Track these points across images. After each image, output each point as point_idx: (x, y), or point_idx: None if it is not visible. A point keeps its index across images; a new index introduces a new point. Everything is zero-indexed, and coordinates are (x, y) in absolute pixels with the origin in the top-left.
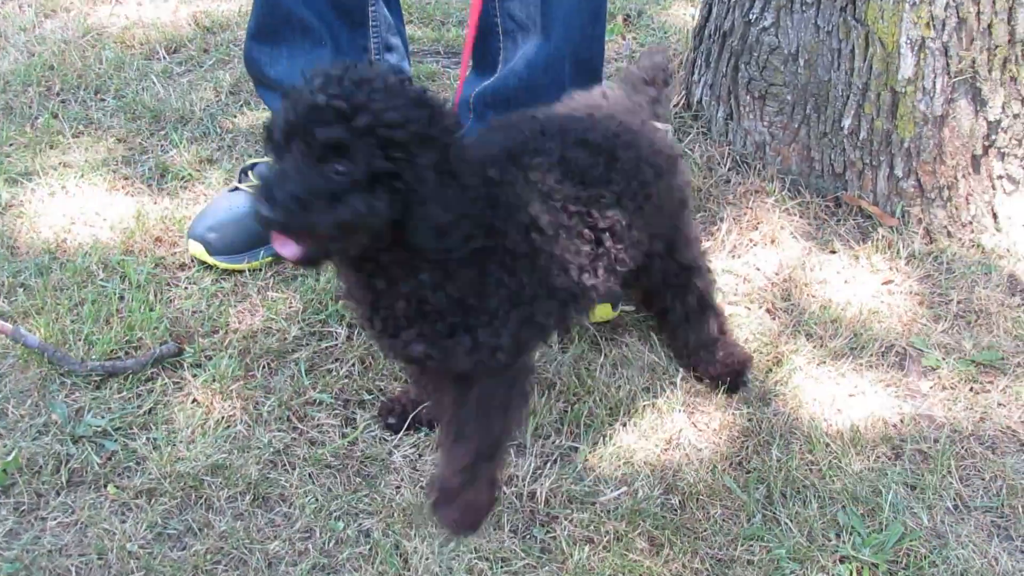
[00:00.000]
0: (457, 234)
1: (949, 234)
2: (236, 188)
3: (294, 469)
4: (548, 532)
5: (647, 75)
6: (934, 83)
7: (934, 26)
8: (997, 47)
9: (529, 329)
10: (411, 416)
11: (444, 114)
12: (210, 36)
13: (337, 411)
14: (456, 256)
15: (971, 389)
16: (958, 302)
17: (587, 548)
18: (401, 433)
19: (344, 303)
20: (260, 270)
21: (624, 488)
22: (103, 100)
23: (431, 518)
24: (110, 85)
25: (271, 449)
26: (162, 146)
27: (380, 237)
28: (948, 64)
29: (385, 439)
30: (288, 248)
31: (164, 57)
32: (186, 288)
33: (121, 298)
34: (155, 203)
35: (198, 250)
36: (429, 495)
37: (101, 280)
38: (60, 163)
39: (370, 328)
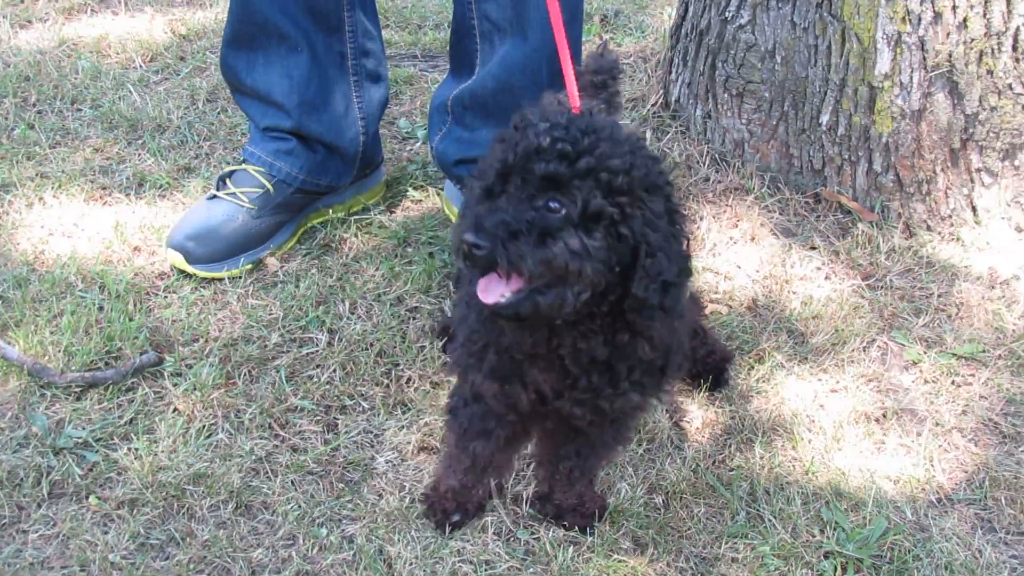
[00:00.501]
0: (679, 292)
1: (929, 228)
2: (214, 196)
3: (276, 476)
4: (532, 534)
5: (598, 79)
6: (911, 78)
7: (910, 21)
8: (973, 40)
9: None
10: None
11: (664, 166)
12: (186, 44)
13: (319, 417)
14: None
15: (953, 382)
16: (938, 296)
17: (571, 550)
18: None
19: (500, 370)
20: (240, 278)
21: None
22: (80, 110)
23: (559, 523)
24: (87, 95)
25: (253, 457)
26: (139, 155)
27: (609, 290)
28: (925, 58)
29: (368, 445)
30: (493, 291)
31: (140, 66)
32: (166, 297)
33: (100, 308)
34: (133, 213)
35: (177, 259)
36: (540, 509)
37: (80, 291)
38: (37, 174)
39: (566, 391)
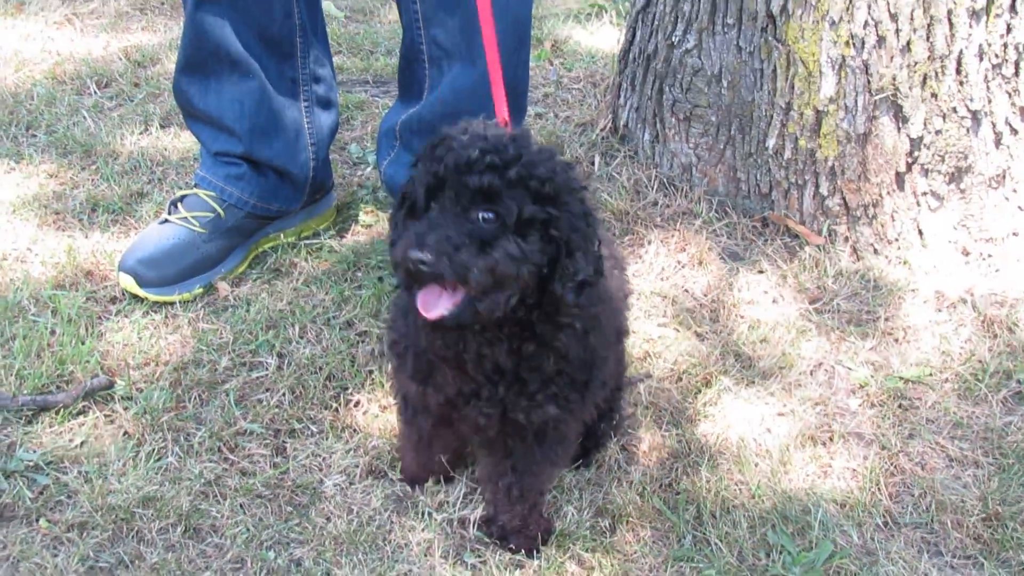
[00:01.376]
0: (592, 291)
1: (876, 251)
2: (166, 220)
3: (225, 500)
4: (479, 557)
5: None
6: (856, 101)
7: (854, 44)
8: (917, 64)
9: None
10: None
11: (578, 171)
12: (140, 70)
13: (268, 441)
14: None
15: (900, 406)
16: (886, 319)
17: (518, 573)
18: (333, 465)
19: (415, 368)
20: (191, 302)
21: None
22: (34, 136)
23: (504, 546)
24: (41, 121)
25: (202, 480)
26: (93, 180)
27: (529, 294)
28: (869, 82)
29: (316, 468)
30: (437, 307)
31: (95, 91)
32: (117, 321)
33: (53, 332)
34: (86, 237)
35: (128, 283)
36: (487, 531)
37: (32, 315)
38: None
39: (473, 398)
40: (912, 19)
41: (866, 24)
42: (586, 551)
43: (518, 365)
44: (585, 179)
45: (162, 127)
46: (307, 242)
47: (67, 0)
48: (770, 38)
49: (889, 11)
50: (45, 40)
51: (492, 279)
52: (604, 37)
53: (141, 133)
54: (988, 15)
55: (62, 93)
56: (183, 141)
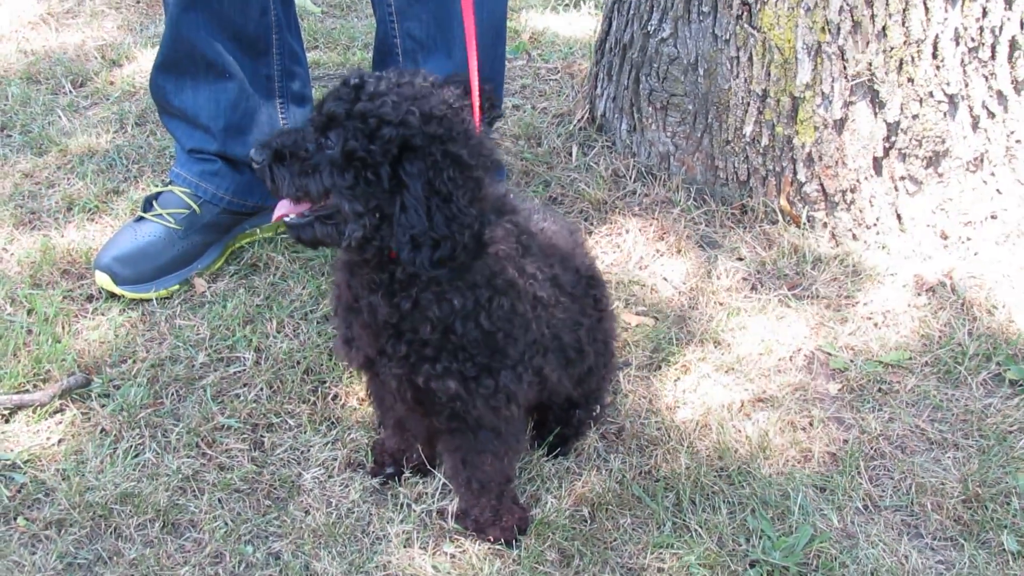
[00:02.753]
0: (429, 253)
1: (854, 237)
2: (141, 218)
3: (203, 495)
4: (458, 547)
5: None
6: (832, 87)
7: (829, 30)
8: (893, 49)
9: (536, 382)
10: (408, 462)
11: (458, 138)
12: (116, 68)
13: (246, 435)
14: (498, 283)
15: (879, 390)
16: (865, 304)
17: (498, 562)
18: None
19: (341, 325)
20: (168, 298)
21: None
22: (9, 136)
23: (483, 538)
24: (16, 121)
25: (180, 476)
26: (68, 179)
27: (373, 237)
28: (845, 68)
29: (295, 462)
30: (281, 209)
31: (70, 91)
32: (94, 319)
33: (29, 331)
34: (62, 236)
35: (105, 280)
36: (463, 524)
37: (8, 315)
38: None
39: (381, 357)
40: (887, 4)
41: (841, 9)
42: (566, 540)
43: (401, 323)
44: (488, 149)
45: (138, 125)
46: (284, 236)
47: (42, 0)
48: (745, 25)
49: None
50: (20, 40)
51: (306, 198)
52: (581, 27)
53: (117, 131)
54: None
55: (37, 93)
56: (159, 139)
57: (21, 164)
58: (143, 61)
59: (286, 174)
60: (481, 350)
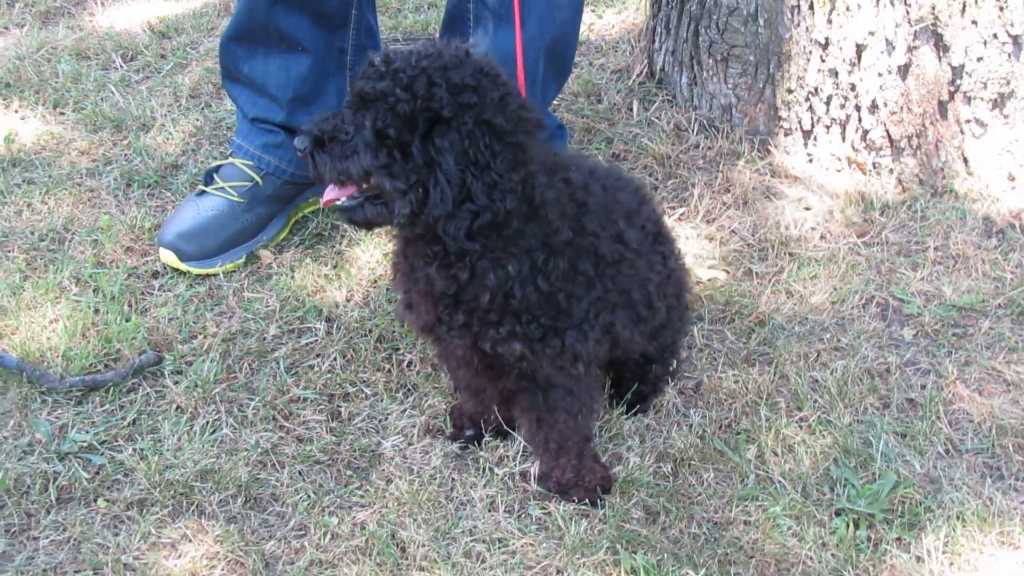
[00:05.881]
0: (466, 224)
1: (921, 182)
2: (203, 192)
3: (283, 468)
4: (543, 509)
5: None
6: (895, 33)
7: None
8: None
9: (606, 340)
10: (486, 425)
11: (491, 105)
12: (165, 41)
13: (322, 406)
14: (554, 244)
15: (954, 334)
16: (935, 249)
17: (584, 522)
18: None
19: (400, 295)
20: (234, 272)
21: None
22: (63, 114)
23: (567, 499)
24: (68, 98)
25: (259, 450)
26: (126, 155)
27: (417, 215)
28: (908, 12)
29: (373, 431)
30: (329, 194)
31: (121, 66)
32: (161, 296)
33: (96, 311)
34: (123, 213)
35: (170, 258)
36: (546, 486)
37: (74, 295)
38: (24, 180)
39: (440, 325)
40: None
41: None
42: (650, 496)
43: (459, 293)
44: (525, 114)
45: (192, 97)
46: None
47: None
48: None
49: None
50: (65, 16)
51: (350, 181)
52: None
53: (171, 105)
54: None
55: (87, 69)
56: (215, 111)
57: (76, 142)
58: (192, 33)
59: (327, 159)
60: (544, 311)
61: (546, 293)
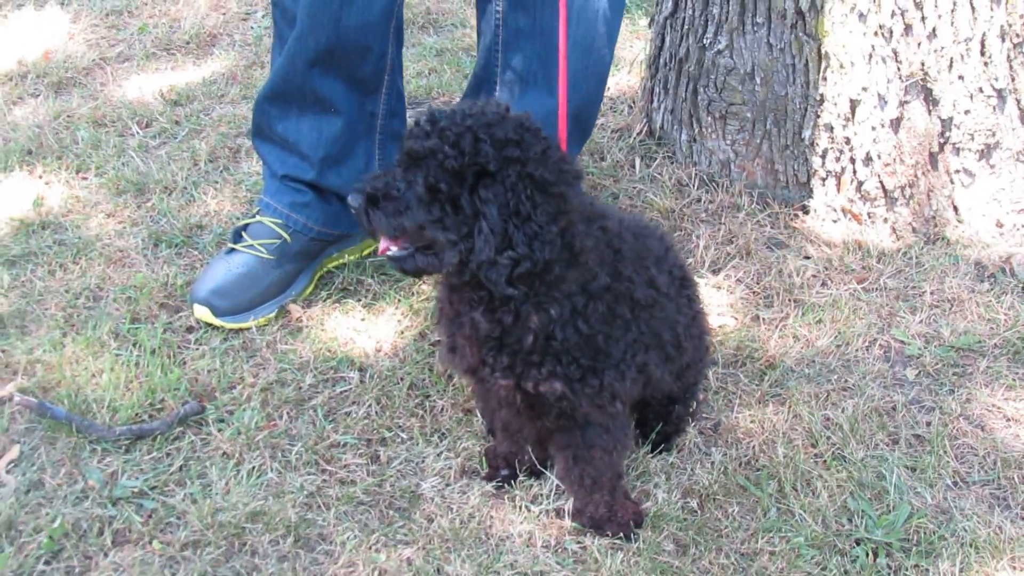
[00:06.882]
0: (507, 272)
1: (914, 230)
2: (232, 250)
3: (329, 509)
4: (579, 543)
5: None
6: (888, 88)
7: (883, 34)
8: (943, 48)
9: (640, 379)
10: (520, 465)
11: (534, 158)
12: (179, 108)
13: (361, 450)
14: (593, 289)
15: (954, 373)
16: (931, 293)
17: (619, 555)
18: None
19: (444, 335)
20: (267, 326)
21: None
22: (85, 179)
23: (601, 534)
24: (90, 163)
25: (304, 492)
26: (151, 216)
27: (465, 263)
28: (899, 69)
29: (412, 473)
30: (384, 245)
31: (137, 132)
32: (197, 349)
33: (137, 364)
34: (153, 272)
35: (204, 313)
36: (580, 521)
37: (115, 350)
38: (55, 242)
39: (484, 367)
40: (937, 5)
41: (893, 13)
42: (680, 530)
43: (504, 335)
44: (568, 167)
45: (210, 161)
46: (371, 260)
47: (92, 46)
48: (800, 34)
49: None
50: (77, 86)
51: (407, 236)
52: (624, 47)
53: (191, 168)
54: None
55: (106, 135)
56: (233, 174)
57: (102, 205)
58: (204, 100)
59: (381, 216)
60: (583, 352)
61: (586, 335)
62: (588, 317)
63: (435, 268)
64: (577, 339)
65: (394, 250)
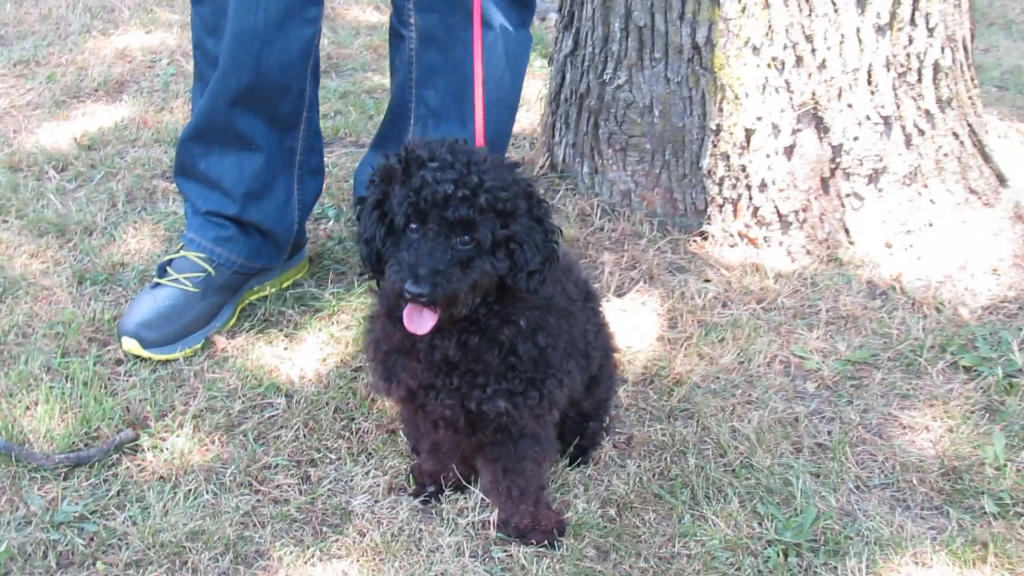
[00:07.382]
0: (542, 276)
1: (808, 252)
2: (157, 284)
3: (265, 527)
4: (505, 552)
5: None
6: (781, 117)
7: (775, 66)
8: (833, 78)
9: (567, 385)
10: (446, 481)
11: (521, 171)
12: (93, 153)
13: (292, 471)
14: (542, 303)
15: (852, 385)
16: (827, 311)
17: (545, 562)
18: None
19: (379, 366)
20: (193, 356)
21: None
22: (6, 221)
23: (526, 543)
24: (10, 206)
25: (240, 512)
26: (74, 256)
27: (490, 292)
28: (792, 99)
29: (342, 491)
30: (424, 321)
31: (55, 176)
32: (128, 380)
33: (70, 396)
34: (80, 309)
35: (132, 345)
36: (506, 532)
37: (48, 382)
38: None
39: (427, 392)
40: (826, 38)
41: (785, 46)
42: (600, 537)
43: (464, 357)
44: (527, 174)
45: (128, 202)
46: (291, 292)
47: (1, 95)
48: (696, 67)
49: (804, 33)
50: None
51: (472, 293)
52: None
53: (109, 210)
54: (892, 29)
55: (23, 179)
56: (151, 214)
57: (24, 246)
58: (117, 144)
59: (456, 287)
60: (536, 366)
61: (541, 348)
62: (547, 330)
63: (460, 316)
64: (534, 353)
65: (435, 320)
